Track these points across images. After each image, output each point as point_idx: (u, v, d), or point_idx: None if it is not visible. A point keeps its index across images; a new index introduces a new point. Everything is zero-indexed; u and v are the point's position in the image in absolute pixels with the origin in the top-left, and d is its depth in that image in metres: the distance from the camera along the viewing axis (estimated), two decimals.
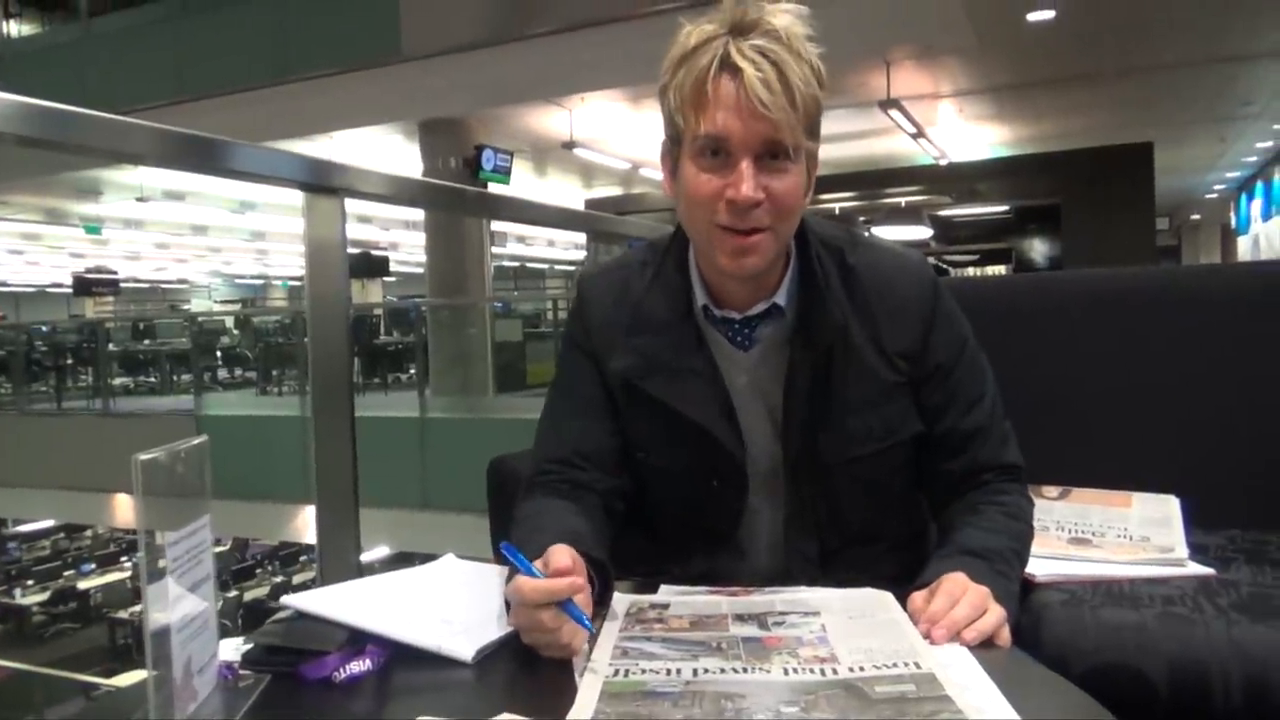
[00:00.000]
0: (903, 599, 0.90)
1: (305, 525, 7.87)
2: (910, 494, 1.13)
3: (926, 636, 0.83)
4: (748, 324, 1.07)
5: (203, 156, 1.53)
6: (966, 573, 0.90)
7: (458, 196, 2.56)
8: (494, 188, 8.79)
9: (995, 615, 0.85)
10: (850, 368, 1.04)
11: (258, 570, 15.37)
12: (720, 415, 1.05)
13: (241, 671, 0.82)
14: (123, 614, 13.41)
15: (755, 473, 1.07)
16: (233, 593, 13.80)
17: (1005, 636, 0.86)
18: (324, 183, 1.63)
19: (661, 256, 1.11)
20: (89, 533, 16.60)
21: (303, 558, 15.04)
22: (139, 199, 13.71)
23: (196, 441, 0.76)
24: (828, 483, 1.06)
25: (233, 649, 0.85)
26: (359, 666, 0.81)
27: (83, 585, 14.82)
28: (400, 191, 1.98)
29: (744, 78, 0.92)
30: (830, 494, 1.06)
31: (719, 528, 1.09)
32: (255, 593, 14.08)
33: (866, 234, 1.17)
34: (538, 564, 0.84)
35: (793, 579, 1.04)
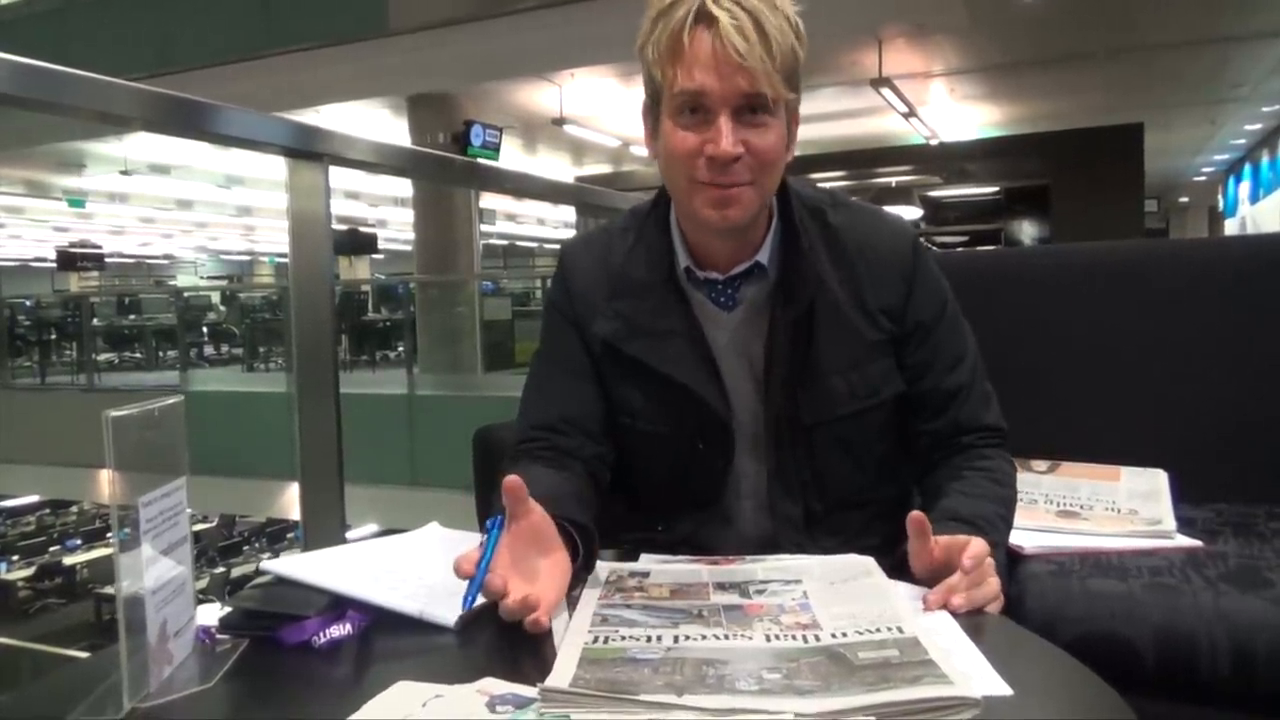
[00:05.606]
0: (886, 566, 0.89)
1: (292, 502, 7.83)
2: (894, 461, 1.12)
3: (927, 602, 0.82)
4: (731, 284, 1.06)
5: (185, 119, 1.51)
6: None
7: (445, 165, 2.53)
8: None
9: (992, 587, 0.85)
10: (832, 326, 1.04)
11: (245, 547, 15.34)
12: (704, 375, 1.05)
13: (219, 636, 0.80)
14: (109, 589, 13.37)
15: (740, 433, 1.07)
16: (220, 569, 13.78)
17: (996, 608, 0.85)
18: (307, 148, 1.61)
19: (643, 221, 1.11)
20: (75, 509, 16.52)
21: (290, 535, 14.99)
22: (123, 172, 13.55)
23: (171, 401, 0.74)
24: (810, 443, 1.06)
25: (212, 614, 0.83)
26: (339, 631, 0.80)
27: (69, 561, 14.77)
28: (385, 158, 1.94)
29: (719, 27, 0.92)
30: (813, 455, 1.06)
31: (704, 492, 1.09)
32: (242, 569, 14.03)
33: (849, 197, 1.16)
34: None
35: (778, 544, 1.04)
